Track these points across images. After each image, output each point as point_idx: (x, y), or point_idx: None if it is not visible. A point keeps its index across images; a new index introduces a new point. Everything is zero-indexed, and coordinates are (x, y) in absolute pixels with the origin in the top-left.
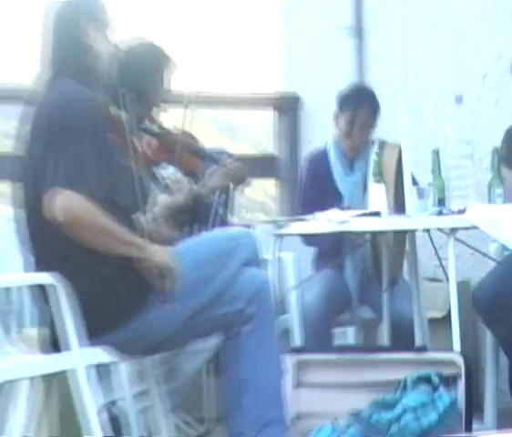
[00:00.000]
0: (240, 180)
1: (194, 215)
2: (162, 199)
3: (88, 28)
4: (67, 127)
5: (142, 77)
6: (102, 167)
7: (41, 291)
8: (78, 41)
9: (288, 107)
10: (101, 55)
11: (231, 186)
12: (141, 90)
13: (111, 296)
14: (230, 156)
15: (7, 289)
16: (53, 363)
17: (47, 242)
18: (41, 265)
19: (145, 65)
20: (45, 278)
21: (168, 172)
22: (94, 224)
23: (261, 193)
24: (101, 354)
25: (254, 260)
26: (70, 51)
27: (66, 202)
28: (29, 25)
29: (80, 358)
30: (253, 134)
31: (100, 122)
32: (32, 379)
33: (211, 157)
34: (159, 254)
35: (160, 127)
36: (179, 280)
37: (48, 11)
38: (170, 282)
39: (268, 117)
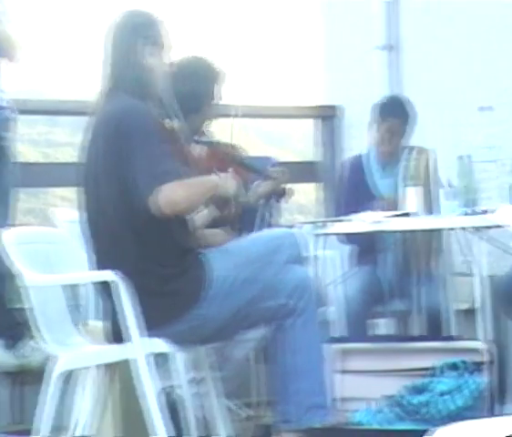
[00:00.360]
0: (283, 190)
1: (242, 220)
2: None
3: (145, 49)
4: (129, 134)
5: (195, 92)
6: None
7: (105, 287)
8: (135, 61)
9: (328, 117)
10: (156, 74)
11: (276, 193)
12: (194, 104)
13: (169, 292)
14: (274, 164)
15: (75, 286)
16: (116, 353)
17: (108, 242)
18: (102, 263)
19: (197, 80)
20: (108, 275)
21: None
22: (190, 200)
23: (303, 196)
24: (159, 344)
25: (297, 258)
26: (127, 70)
27: (164, 199)
28: (93, 44)
29: (141, 348)
30: (296, 142)
31: (155, 131)
32: (98, 367)
33: (258, 169)
34: (229, 183)
35: (211, 138)
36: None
37: (109, 32)
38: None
39: (310, 127)
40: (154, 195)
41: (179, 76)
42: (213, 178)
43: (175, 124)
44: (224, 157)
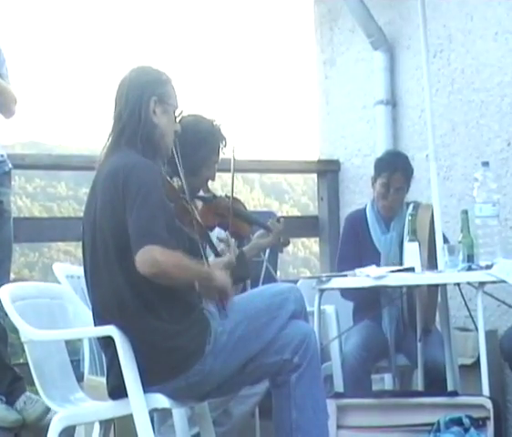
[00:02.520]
0: (284, 242)
1: (244, 272)
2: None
3: (156, 108)
4: (132, 190)
5: (197, 151)
6: (168, 222)
7: (107, 342)
8: (147, 118)
9: (329, 172)
10: (166, 134)
11: (278, 244)
12: (196, 163)
13: (172, 348)
14: (278, 219)
15: (75, 341)
16: (119, 408)
17: (107, 297)
18: (102, 317)
19: (199, 140)
20: (109, 330)
21: (222, 236)
22: (178, 268)
23: (305, 250)
24: (161, 400)
25: (301, 313)
26: (139, 126)
27: (149, 257)
28: (104, 98)
29: (142, 403)
30: (297, 196)
31: (161, 187)
32: (100, 422)
33: (259, 222)
34: (222, 278)
35: (212, 194)
36: (231, 297)
37: (121, 87)
38: (227, 298)
39: (311, 181)
40: (142, 252)
41: (179, 137)
42: (210, 271)
43: (179, 182)
44: (224, 212)
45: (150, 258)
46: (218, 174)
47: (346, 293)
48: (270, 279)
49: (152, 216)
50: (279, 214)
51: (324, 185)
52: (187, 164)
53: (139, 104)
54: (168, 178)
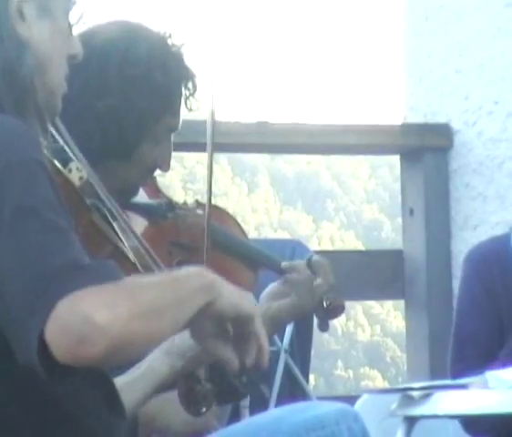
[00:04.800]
0: (331, 307)
1: (234, 382)
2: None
3: (24, 8)
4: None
5: (128, 104)
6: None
7: None
8: (6, 33)
9: (428, 151)
10: (50, 63)
11: (315, 314)
12: (128, 132)
13: None
14: (311, 258)
15: None
16: None
17: None
18: None
19: (132, 78)
20: None
21: None
22: (141, 315)
23: (372, 323)
24: None
25: None
26: None
27: (75, 321)
28: None
29: None
30: (353, 205)
31: (49, 175)
32: None
33: (272, 264)
34: (235, 294)
35: (167, 199)
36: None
37: None
38: (263, 350)
39: (383, 172)
40: (54, 318)
41: (82, 71)
42: (212, 279)
43: (85, 172)
44: (193, 241)
45: (79, 321)
46: (178, 155)
47: (474, 425)
48: (293, 389)
49: (47, 236)
50: (314, 246)
51: (417, 179)
52: (106, 135)
53: None
54: (58, 165)
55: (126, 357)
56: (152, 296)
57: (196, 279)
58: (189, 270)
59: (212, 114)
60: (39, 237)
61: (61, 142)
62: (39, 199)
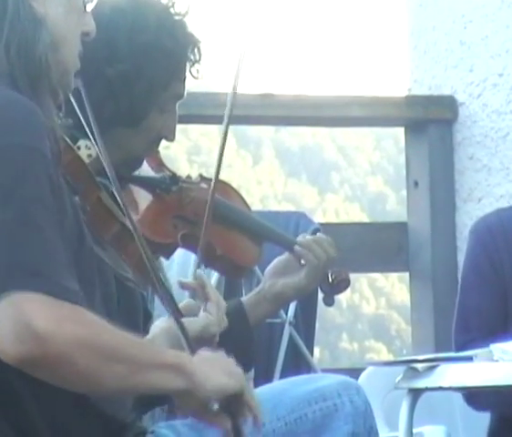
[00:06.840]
0: (336, 281)
1: (243, 349)
2: (158, 326)
3: None
4: None
5: (136, 73)
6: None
7: None
8: (19, 12)
9: (433, 123)
10: (64, 40)
11: (320, 288)
12: (136, 100)
13: None
14: (317, 231)
15: None
16: None
17: None
18: None
19: (139, 47)
20: None
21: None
22: (91, 350)
23: (377, 295)
24: None
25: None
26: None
27: (17, 316)
28: None
29: None
30: (358, 177)
31: (48, 164)
32: None
33: (277, 238)
34: (216, 374)
35: (171, 173)
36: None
37: None
38: (257, 416)
39: (387, 144)
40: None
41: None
42: (178, 356)
43: (97, 149)
44: (197, 215)
45: (20, 318)
46: (183, 127)
47: (477, 399)
48: (298, 361)
49: (25, 228)
50: (319, 218)
51: (421, 151)
52: (118, 102)
53: None
54: (69, 141)
55: (60, 380)
56: (113, 340)
57: (171, 357)
58: (171, 350)
59: (234, 87)
60: (12, 227)
61: (76, 115)
62: (26, 191)
